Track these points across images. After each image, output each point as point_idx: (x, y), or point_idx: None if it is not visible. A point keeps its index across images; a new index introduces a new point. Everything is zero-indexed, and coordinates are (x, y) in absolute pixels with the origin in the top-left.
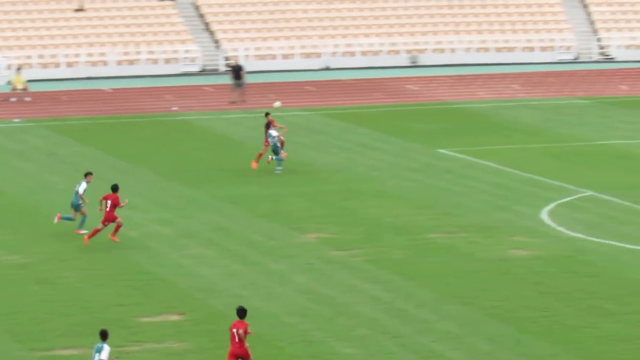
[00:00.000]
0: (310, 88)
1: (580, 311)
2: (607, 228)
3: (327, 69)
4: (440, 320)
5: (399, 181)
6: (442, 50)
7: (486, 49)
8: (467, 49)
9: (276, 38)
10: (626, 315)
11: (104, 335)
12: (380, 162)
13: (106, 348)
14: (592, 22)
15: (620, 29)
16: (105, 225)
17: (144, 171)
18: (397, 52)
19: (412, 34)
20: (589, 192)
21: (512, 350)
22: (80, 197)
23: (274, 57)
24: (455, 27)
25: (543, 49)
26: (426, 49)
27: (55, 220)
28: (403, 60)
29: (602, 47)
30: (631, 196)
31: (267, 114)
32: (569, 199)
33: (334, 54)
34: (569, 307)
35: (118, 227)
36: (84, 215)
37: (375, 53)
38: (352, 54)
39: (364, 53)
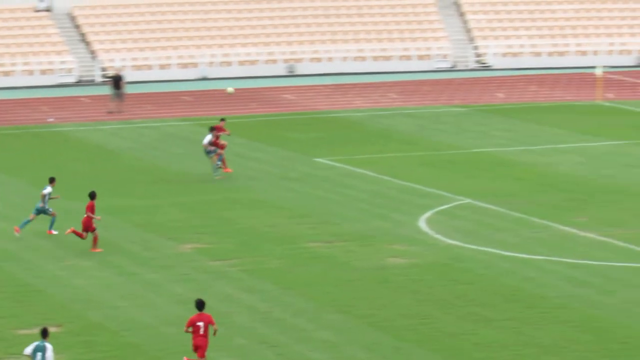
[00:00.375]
0: (187, 98)
1: (458, 319)
2: (483, 235)
3: (204, 79)
4: (318, 329)
5: (276, 190)
6: (319, 60)
7: (363, 58)
8: (344, 58)
9: (153, 48)
10: (503, 322)
11: (44, 333)
12: (257, 171)
13: (49, 347)
14: (468, 31)
15: (496, 37)
16: (91, 231)
17: (19, 183)
18: (274, 61)
19: (289, 43)
20: (466, 200)
21: (390, 359)
22: (43, 196)
23: (150, 67)
24: (332, 36)
25: (420, 57)
26: (303, 58)
27: (15, 233)
28: (280, 69)
29: (478, 55)
30: (507, 203)
31: (222, 120)
32: (446, 206)
33: (211, 63)
34: (447, 315)
35: (95, 238)
36: (53, 215)
37: (253, 63)
38: (229, 63)
39: (241, 63)
